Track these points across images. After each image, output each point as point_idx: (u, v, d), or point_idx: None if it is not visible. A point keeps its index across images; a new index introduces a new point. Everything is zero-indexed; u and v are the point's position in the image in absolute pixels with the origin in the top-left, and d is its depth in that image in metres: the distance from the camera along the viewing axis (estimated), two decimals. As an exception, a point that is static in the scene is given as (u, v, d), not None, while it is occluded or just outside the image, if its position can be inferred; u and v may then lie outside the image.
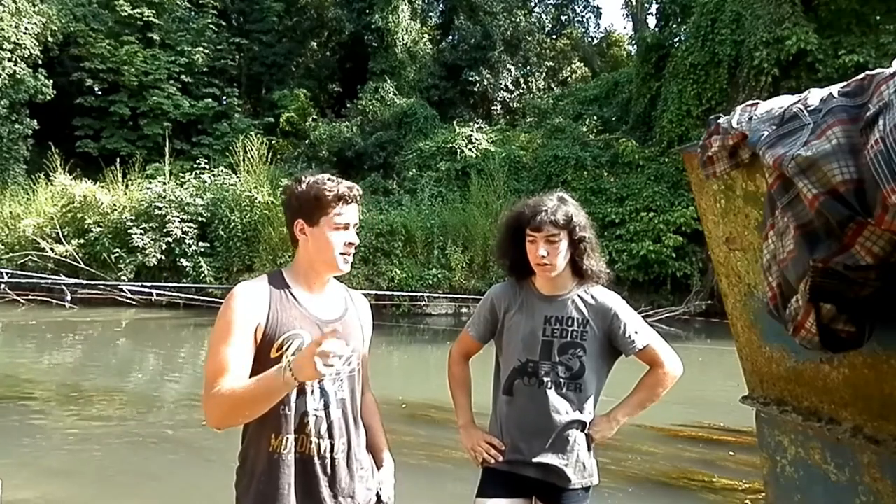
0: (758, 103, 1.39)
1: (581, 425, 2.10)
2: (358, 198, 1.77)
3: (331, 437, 1.70)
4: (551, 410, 2.06)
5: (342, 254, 1.74)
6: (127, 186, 17.50)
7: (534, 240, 2.04)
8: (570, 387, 2.07)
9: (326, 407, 1.70)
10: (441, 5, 28.65)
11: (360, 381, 1.82)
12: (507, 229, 2.16)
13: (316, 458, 1.68)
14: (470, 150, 19.33)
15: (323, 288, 1.82)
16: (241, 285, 1.74)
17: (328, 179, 1.73)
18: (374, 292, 14.03)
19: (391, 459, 1.92)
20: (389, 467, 1.90)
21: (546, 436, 2.06)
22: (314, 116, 23.98)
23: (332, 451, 1.70)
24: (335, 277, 1.85)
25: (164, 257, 15.65)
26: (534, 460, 2.06)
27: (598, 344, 2.10)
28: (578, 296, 2.12)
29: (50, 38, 21.22)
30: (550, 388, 2.06)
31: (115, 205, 16.57)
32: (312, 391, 1.68)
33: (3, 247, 16.47)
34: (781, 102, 1.33)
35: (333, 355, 1.40)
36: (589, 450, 2.12)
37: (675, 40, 18.55)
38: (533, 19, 27.79)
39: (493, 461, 2.09)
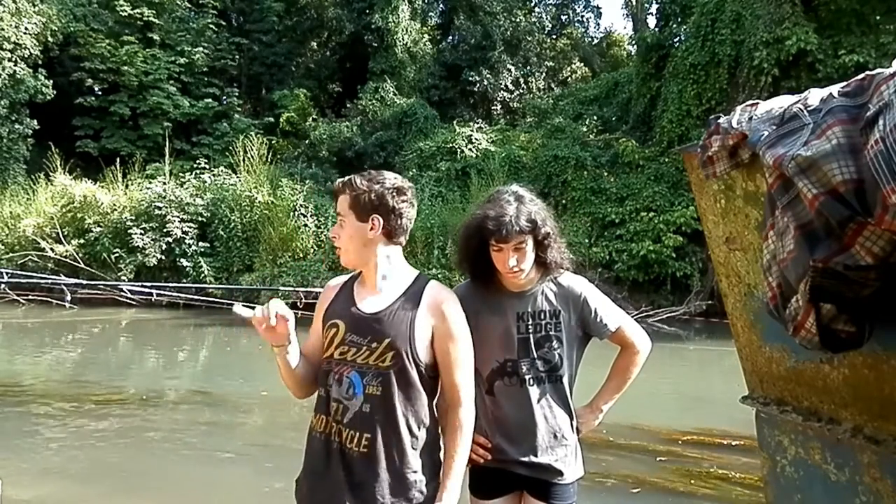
0: (758, 103, 1.39)
1: (565, 418, 2.09)
2: (336, 191, 1.82)
3: (353, 428, 1.71)
4: (535, 408, 2.05)
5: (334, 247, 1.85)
6: (127, 186, 17.48)
7: (500, 250, 1.97)
8: (551, 379, 2.07)
9: (353, 398, 1.72)
10: (441, 5, 28.63)
11: (406, 383, 1.73)
12: (470, 241, 2.04)
13: (336, 444, 1.72)
14: (470, 150, 19.32)
15: (378, 281, 1.82)
16: (329, 281, 1.97)
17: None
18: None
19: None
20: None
21: (533, 434, 2.05)
22: (314, 116, 23.96)
23: (352, 442, 1.71)
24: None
25: (164, 257, 15.64)
26: (523, 459, 2.04)
27: (571, 333, 2.09)
28: (546, 287, 2.09)
29: (50, 38, 21.19)
30: (532, 385, 2.05)
31: (115, 205, 16.55)
32: (341, 380, 1.74)
33: (3, 247, 16.46)
34: (781, 102, 1.33)
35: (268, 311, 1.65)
36: (576, 440, 2.13)
37: (675, 40, 18.52)
38: (533, 19, 27.80)
39: (481, 460, 2.07)
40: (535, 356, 2.05)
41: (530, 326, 2.06)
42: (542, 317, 2.06)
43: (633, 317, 2.25)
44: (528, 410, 2.05)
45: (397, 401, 1.72)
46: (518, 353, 2.05)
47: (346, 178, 1.82)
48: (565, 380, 2.09)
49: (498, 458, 2.07)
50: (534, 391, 2.05)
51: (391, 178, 1.79)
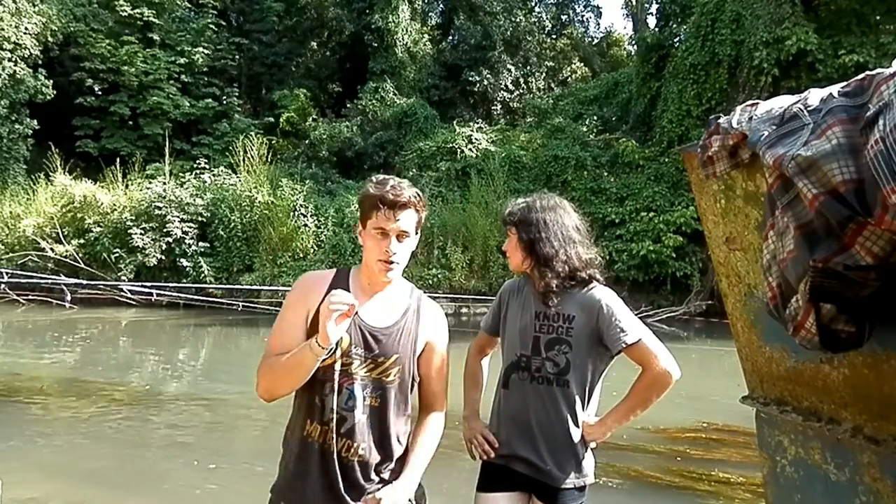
0: (758, 103, 1.39)
1: (570, 423, 2.08)
2: (407, 203, 1.68)
3: (350, 438, 1.71)
4: (539, 405, 2.08)
5: (380, 260, 1.69)
6: (127, 186, 17.50)
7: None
8: (558, 382, 2.08)
9: (352, 409, 1.71)
10: (441, 5, 28.68)
11: (400, 394, 1.78)
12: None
13: (334, 453, 1.70)
14: (470, 150, 19.33)
15: (380, 290, 1.78)
16: (306, 274, 1.90)
17: (379, 183, 1.70)
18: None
19: (410, 481, 1.78)
20: (400, 486, 1.75)
21: (534, 431, 2.08)
22: (314, 116, 23.98)
23: (348, 451, 1.71)
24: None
25: (164, 257, 15.66)
26: (525, 455, 2.08)
27: (585, 340, 2.07)
28: (568, 292, 2.11)
29: (50, 38, 21.20)
30: (541, 384, 2.09)
31: (115, 205, 16.56)
32: (341, 392, 1.69)
33: (3, 247, 16.46)
34: (781, 102, 1.33)
35: (337, 303, 1.55)
36: (583, 449, 2.11)
37: (675, 40, 18.55)
38: (533, 19, 27.83)
39: (485, 456, 2.14)
40: (545, 356, 2.09)
41: (544, 326, 2.11)
42: (557, 319, 2.10)
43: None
44: (533, 407, 2.09)
45: (392, 412, 1.77)
46: (531, 350, 2.11)
47: (414, 191, 1.71)
48: (573, 385, 2.08)
49: (504, 452, 2.12)
50: (541, 389, 2.09)
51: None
